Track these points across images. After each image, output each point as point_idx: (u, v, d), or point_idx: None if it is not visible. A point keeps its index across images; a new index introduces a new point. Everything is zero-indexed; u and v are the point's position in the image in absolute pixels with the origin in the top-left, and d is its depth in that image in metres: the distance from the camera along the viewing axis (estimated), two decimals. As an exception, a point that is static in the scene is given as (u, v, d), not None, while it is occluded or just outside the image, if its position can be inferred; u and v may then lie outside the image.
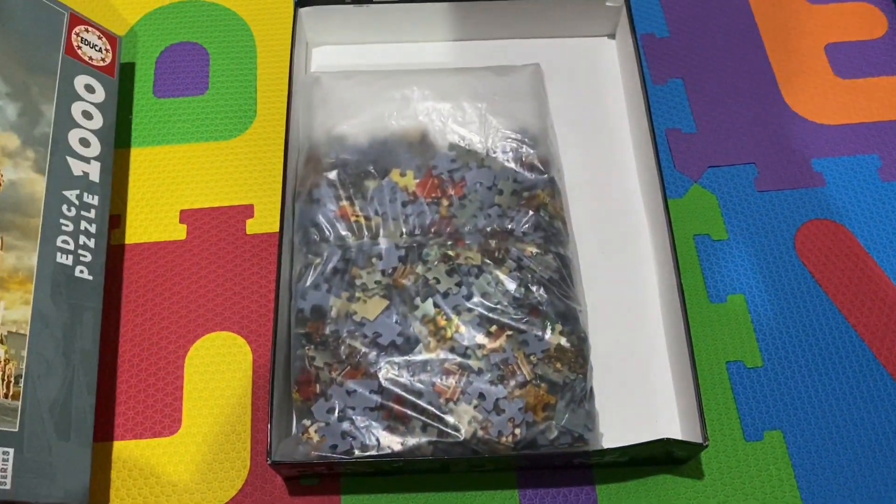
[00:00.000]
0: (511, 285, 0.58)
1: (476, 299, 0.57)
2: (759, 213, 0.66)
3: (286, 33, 0.73)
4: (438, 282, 0.58)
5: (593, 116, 0.70)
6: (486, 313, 0.57)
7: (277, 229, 0.64)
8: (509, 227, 0.60)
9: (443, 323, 0.56)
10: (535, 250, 0.59)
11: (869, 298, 0.63)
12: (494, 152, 0.63)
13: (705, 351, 0.61)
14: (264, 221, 0.65)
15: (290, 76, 0.65)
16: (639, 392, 0.59)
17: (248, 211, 0.66)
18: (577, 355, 0.56)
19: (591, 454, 0.54)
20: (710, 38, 0.74)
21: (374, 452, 0.52)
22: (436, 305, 0.57)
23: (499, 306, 0.57)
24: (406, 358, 0.55)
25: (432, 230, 0.60)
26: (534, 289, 0.58)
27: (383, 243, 0.60)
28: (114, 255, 0.64)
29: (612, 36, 0.74)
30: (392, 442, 0.53)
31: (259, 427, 0.58)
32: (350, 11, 0.70)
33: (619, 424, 0.58)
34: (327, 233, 0.60)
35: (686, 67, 0.73)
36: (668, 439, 0.52)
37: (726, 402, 0.59)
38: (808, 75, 0.73)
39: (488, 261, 0.59)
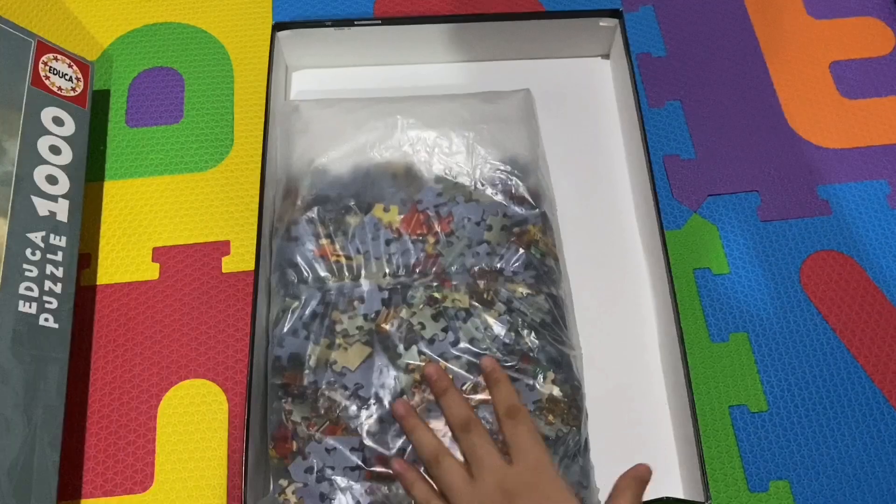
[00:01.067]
0: (500, 330, 0.55)
1: (463, 345, 0.54)
2: (762, 245, 0.63)
3: (265, 57, 0.70)
4: (424, 327, 0.55)
5: (586, 142, 0.67)
6: (473, 360, 0.54)
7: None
8: (499, 265, 0.57)
9: None
10: (525, 291, 0.56)
11: (879, 336, 0.60)
12: (483, 185, 0.60)
13: (707, 394, 0.58)
14: (241, 259, 0.62)
15: (267, 104, 0.62)
16: (636, 440, 0.56)
17: (224, 248, 0.63)
18: (571, 406, 0.53)
19: (587, 514, 0.51)
20: (710, 58, 0.71)
21: None
22: (420, 353, 0.54)
23: (487, 353, 0.54)
24: (389, 411, 0.52)
25: (417, 270, 0.57)
26: (524, 333, 0.54)
27: (365, 285, 0.56)
28: (84, 296, 0.61)
29: (606, 56, 0.71)
30: None
31: (235, 482, 0.55)
32: (331, 34, 0.67)
33: (616, 477, 0.54)
34: (306, 274, 0.57)
35: (684, 89, 0.70)
36: (668, 498, 0.49)
37: (729, 450, 0.56)
38: (812, 96, 0.69)
39: (476, 303, 0.55)
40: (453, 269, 0.57)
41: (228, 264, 0.62)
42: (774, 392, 0.58)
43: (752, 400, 0.58)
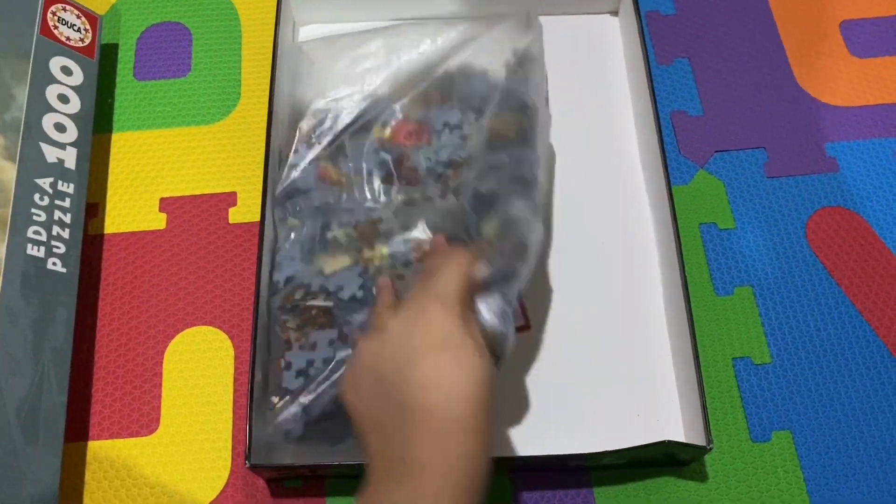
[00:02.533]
0: (454, 200, 0.56)
1: (414, 233, 0.56)
2: (768, 201, 0.63)
3: (272, 12, 0.70)
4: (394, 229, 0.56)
5: (594, 98, 0.67)
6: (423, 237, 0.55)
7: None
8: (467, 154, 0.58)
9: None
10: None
11: (884, 291, 0.59)
12: (480, 105, 0.60)
13: (711, 346, 0.58)
14: (247, 210, 0.63)
15: (274, 56, 0.62)
16: (640, 389, 0.56)
17: (230, 199, 0.63)
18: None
19: (588, 457, 0.51)
20: (718, 15, 0.71)
21: (337, 421, 0.49)
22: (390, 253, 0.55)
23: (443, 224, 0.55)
24: (368, 308, 0.53)
25: (405, 181, 0.58)
26: (483, 189, 0.53)
27: (359, 201, 0.57)
28: (91, 245, 0.61)
29: (614, 13, 0.70)
30: None
31: (240, 426, 0.56)
32: (338, -12, 0.67)
33: (619, 423, 0.55)
34: (308, 200, 0.58)
35: (692, 46, 0.69)
36: (670, 442, 0.49)
37: (732, 401, 0.56)
38: (821, 54, 0.69)
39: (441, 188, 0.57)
40: (431, 171, 0.58)
41: (235, 215, 0.63)
42: (778, 345, 0.58)
43: (756, 352, 0.58)
